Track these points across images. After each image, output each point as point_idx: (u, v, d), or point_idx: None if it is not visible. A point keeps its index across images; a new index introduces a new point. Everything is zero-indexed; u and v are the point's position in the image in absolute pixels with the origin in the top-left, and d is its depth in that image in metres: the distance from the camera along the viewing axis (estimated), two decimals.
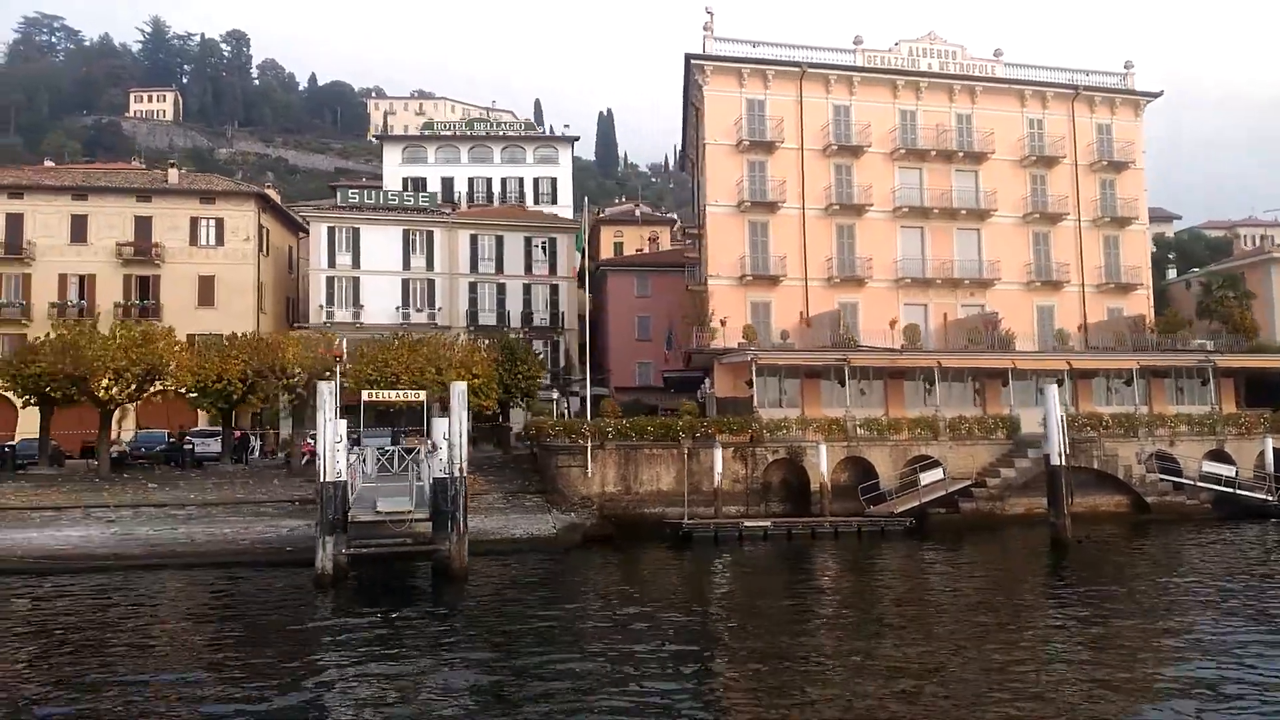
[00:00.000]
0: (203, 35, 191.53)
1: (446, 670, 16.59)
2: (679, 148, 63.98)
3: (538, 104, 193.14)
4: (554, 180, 76.05)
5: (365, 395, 31.05)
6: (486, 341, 46.72)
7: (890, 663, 16.86)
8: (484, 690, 15.50)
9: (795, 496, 35.78)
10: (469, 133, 79.78)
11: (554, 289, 60.35)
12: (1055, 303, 47.51)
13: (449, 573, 24.15)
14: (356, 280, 57.46)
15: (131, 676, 16.34)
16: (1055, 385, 32.48)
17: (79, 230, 54.21)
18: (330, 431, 23.71)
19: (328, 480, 23.72)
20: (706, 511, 33.73)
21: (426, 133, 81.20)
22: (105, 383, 33.20)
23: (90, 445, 39.57)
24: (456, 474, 24.41)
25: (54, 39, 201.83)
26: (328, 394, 23.74)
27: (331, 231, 57.45)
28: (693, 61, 44.34)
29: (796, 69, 44.79)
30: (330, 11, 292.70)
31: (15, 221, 53.58)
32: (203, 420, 48.16)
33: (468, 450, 25.43)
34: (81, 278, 54.06)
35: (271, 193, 64.77)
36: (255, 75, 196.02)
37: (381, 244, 57.90)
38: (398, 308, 57.59)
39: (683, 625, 20.18)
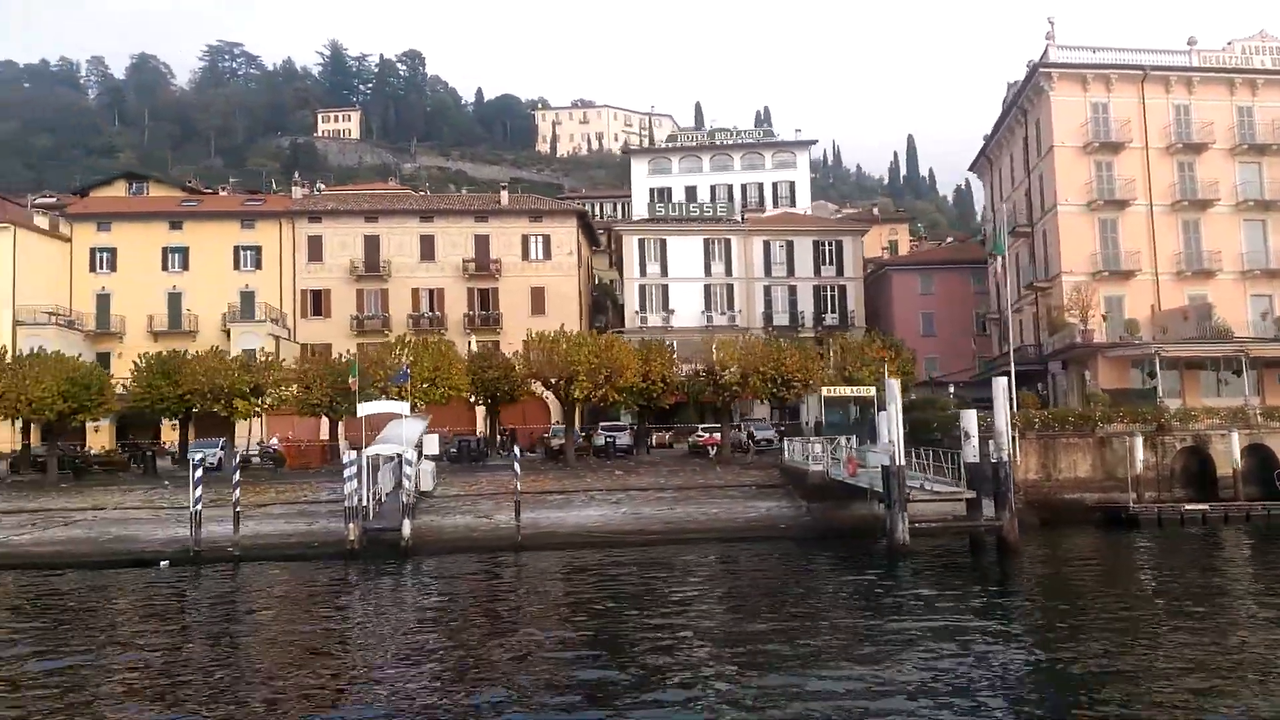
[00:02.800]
0: (381, 56, 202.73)
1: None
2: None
3: (698, 107, 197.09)
4: (792, 184, 79.01)
5: (825, 391, 34.84)
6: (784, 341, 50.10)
7: None
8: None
9: (1196, 483, 37.85)
10: (710, 142, 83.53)
11: (842, 289, 63.55)
12: None
13: (1005, 547, 27.48)
14: (665, 287, 61.98)
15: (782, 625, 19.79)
16: None
17: (428, 249, 60.34)
18: (893, 425, 27.31)
19: (893, 465, 27.33)
20: (1122, 497, 36.22)
21: (670, 144, 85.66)
22: (582, 381, 37.88)
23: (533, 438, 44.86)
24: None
25: (235, 64, 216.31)
26: (895, 390, 27.38)
27: (642, 243, 62.15)
28: (1040, 69, 46.74)
29: (1138, 71, 46.76)
30: (491, 27, 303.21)
31: (373, 243, 60.07)
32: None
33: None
34: (431, 291, 60.16)
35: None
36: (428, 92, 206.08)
37: (685, 253, 62.27)
38: (702, 311, 61.84)
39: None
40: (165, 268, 58.26)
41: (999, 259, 44.40)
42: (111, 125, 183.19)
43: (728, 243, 62.83)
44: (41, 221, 56.40)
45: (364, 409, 32.07)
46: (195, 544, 30.36)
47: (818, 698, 14.23)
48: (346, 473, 30.65)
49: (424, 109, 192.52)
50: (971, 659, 16.40)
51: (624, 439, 44.71)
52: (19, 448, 44.45)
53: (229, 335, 55.48)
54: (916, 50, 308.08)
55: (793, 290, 63.12)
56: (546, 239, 61.08)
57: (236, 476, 31.34)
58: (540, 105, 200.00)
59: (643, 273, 61.97)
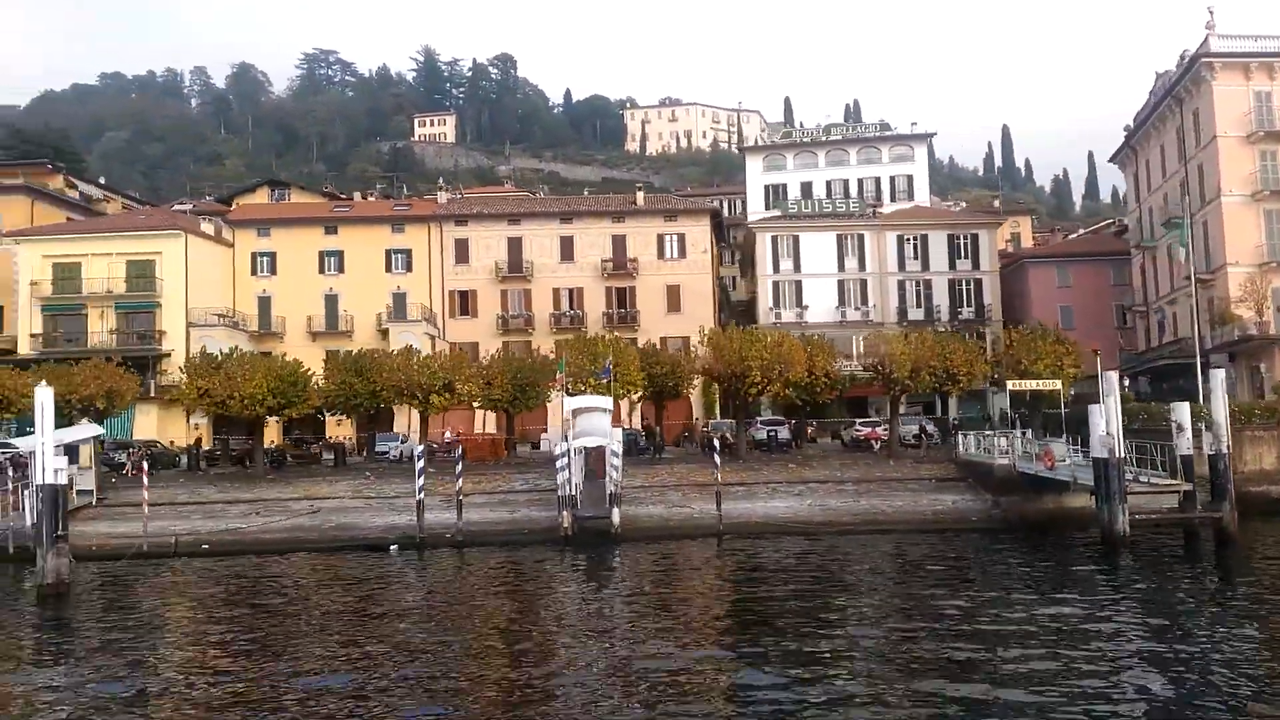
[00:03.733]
0: (474, 60, 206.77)
1: None
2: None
3: (787, 101, 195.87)
4: (910, 177, 78.65)
5: (1010, 385, 35.27)
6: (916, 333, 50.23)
7: None
8: None
9: None
10: (825, 138, 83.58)
11: (977, 282, 63.38)
12: None
13: (1223, 538, 27.72)
14: (798, 283, 62.68)
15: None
16: None
17: (567, 250, 62.11)
18: (1112, 418, 27.65)
19: (1112, 457, 27.68)
20: None
21: (784, 140, 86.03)
22: (755, 376, 38.94)
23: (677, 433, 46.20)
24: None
25: (331, 72, 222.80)
26: (1113, 382, 27.75)
27: (775, 240, 62.97)
28: (1201, 59, 46.20)
29: None
30: (577, 28, 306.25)
31: (516, 245, 62.08)
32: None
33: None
34: (571, 290, 61.92)
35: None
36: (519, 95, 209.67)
37: (818, 249, 62.87)
38: (836, 307, 62.36)
39: None
40: (322, 271, 61.13)
41: (1152, 251, 44.13)
42: (217, 133, 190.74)
43: (860, 238, 63.23)
44: (207, 228, 59.71)
45: (570, 403, 33.66)
46: (420, 530, 32.34)
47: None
48: (559, 463, 32.29)
49: (516, 112, 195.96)
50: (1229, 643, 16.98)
51: (783, 433, 45.60)
52: (200, 444, 47.52)
53: (386, 335, 58.07)
54: (1010, 39, 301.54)
55: (927, 284, 63.21)
56: (681, 237, 62.32)
57: (459, 468, 33.16)
58: (629, 105, 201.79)
59: (776, 269, 62.77)
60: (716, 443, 36.54)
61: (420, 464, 32.91)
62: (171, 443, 51.06)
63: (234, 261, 60.75)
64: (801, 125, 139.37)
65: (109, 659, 17.86)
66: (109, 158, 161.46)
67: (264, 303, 60.75)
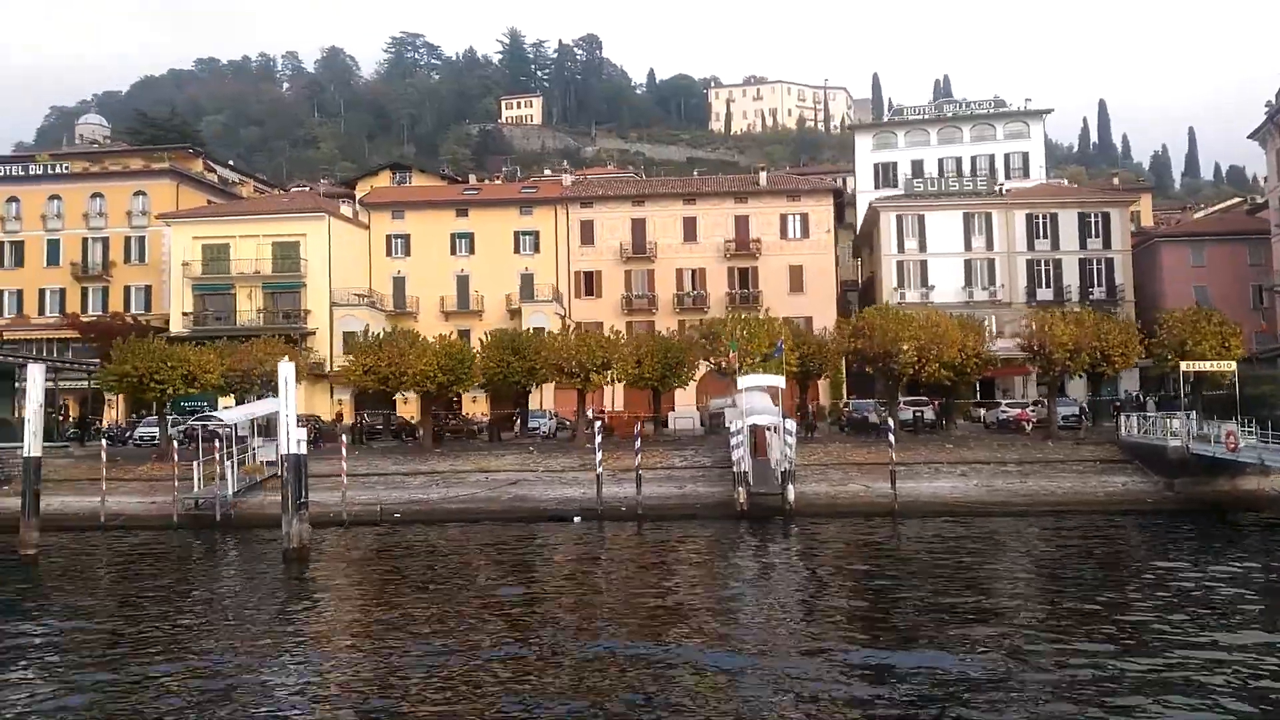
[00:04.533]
0: (560, 41, 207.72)
1: None
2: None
3: (875, 78, 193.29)
4: (1025, 155, 77.24)
5: (1184, 366, 34.90)
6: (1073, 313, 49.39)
7: None
8: None
9: None
10: (938, 115, 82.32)
11: (1109, 262, 62.12)
12: None
13: None
14: (923, 263, 62.24)
15: None
16: None
17: (690, 230, 62.72)
18: None
19: None
20: None
21: (895, 118, 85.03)
22: (908, 354, 39.16)
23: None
24: None
25: (417, 55, 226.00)
26: None
27: (900, 219, 62.57)
28: None
29: None
30: (659, 6, 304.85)
31: (639, 226, 62.89)
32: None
33: None
34: (694, 271, 62.54)
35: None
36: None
37: (944, 228, 62.30)
38: (962, 287, 61.78)
39: None
40: (453, 252, 62.84)
41: None
42: (310, 117, 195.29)
43: (988, 216, 62.45)
44: (346, 211, 61.80)
45: (744, 381, 34.39)
46: (599, 502, 33.51)
47: None
48: (734, 440, 33.08)
49: (601, 92, 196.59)
50: None
51: (929, 413, 45.66)
52: (340, 419, 49.66)
53: (514, 315, 59.64)
54: (1105, 13, 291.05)
55: (1056, 264, 62.17)
56: (804, 217, 62.42)
57: (638, 444, 34.16)
58: (713, 83, 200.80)
59: (900, 249, 62.41)
60: (882, 421, 36.82)
61: (599, 439, 34.02)
62: (317, 417, 53.32)
63: (369, 243, 62.77)
64: (892, 102, 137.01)
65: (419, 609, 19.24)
66: (209, 142, 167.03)
67: (398, 283, 62.74)
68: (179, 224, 58.38)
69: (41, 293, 61.97)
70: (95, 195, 62.16)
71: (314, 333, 57.31)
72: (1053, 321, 40.36)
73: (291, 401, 25.45)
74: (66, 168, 64.32)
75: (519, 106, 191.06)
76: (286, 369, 26.02)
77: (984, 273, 62.19)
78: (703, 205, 63.10)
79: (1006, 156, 77.12)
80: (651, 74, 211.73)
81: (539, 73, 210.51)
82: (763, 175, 65.85)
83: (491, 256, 62.47)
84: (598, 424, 35.93)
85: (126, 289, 61.83)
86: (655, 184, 69.66)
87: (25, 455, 26.43)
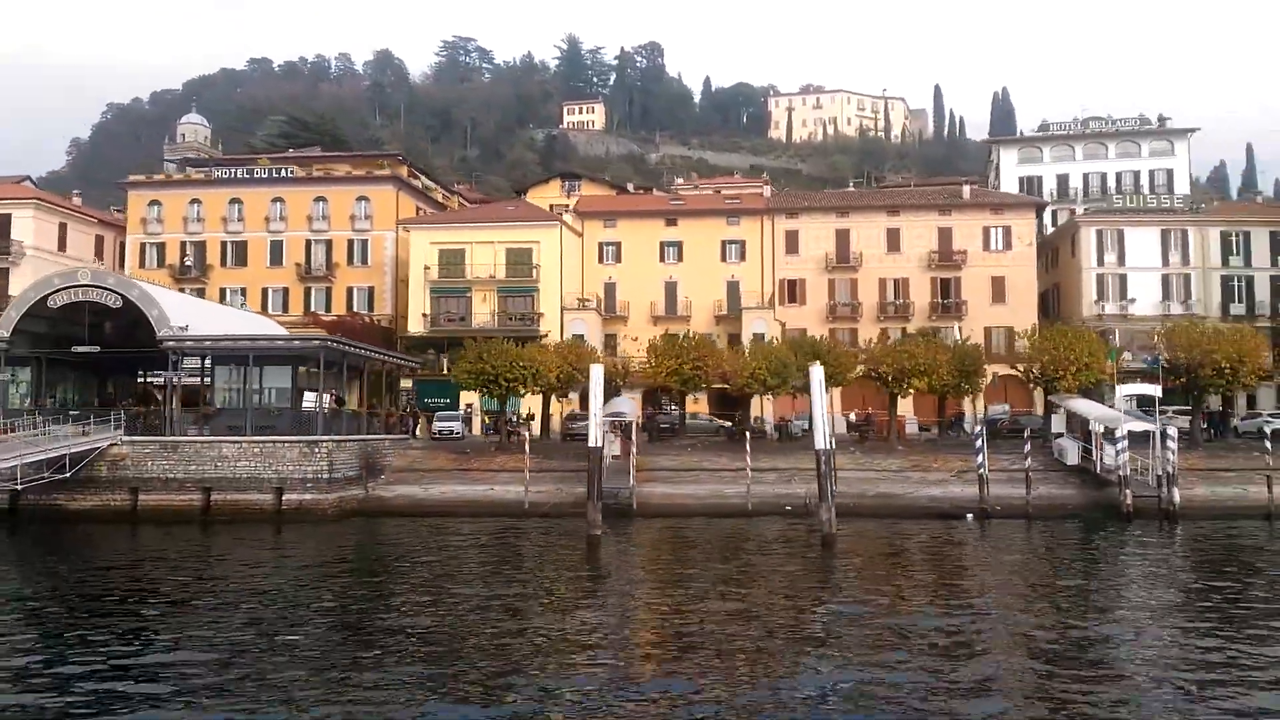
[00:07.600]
0: (622, 48, 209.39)
1: None
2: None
3: (937, 89, 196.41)
4: (1169, 171, 79.88)
5: None
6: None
7: None
8: None
9: None
10: (1084, 131, 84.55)
11: None
12: None
13: None
14: (1123, 276, 64.26)
15: None
16: None
17: (893, 241, 64.53)
18: None
19: None
20: None
21: (1041, 133, 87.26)
22: (1222, 366, 41.10)
23: None
24: None
25: (470, 60, 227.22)
26: None
27: (1099, 234, 64.60)
28: None
29: None
30: (716, 15, 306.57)
31: (844, 236, 64.68)
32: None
33: None
34: (896, 281, 64.35)
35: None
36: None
37: (1142, 243, 64.38)
38: (1160, 300, 63.81)
39: None
40: (662, 259, 64.47)
41: None
42: (372, 118, 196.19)
43: (1184, 233, 64.54)
44: (569, 219, 63.40)
45: (1122, 390, 36.22)
46: (981, 501, 35.24)
47: None
48: (1118, 445, 34.85)
49: (662, 99, 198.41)
50: None
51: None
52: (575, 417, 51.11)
53: (718, 321, 62.05)
54: (1163, 28, 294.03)
55: (1248, 280, 64.33)
56: (1007, 230, 64.29)
57: (1027, 447, 35.92)
58: (772, 92, 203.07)
59: (1100, 262, 64.40)
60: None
61: (979, 442, 35.73)
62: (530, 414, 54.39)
63: (583, 251, 64.32)
64: (953, 114, 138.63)
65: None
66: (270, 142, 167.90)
67: (609, 288, 64.29)
68: (417, 230, 59.86)
69: (264, 291, 63.21)
70: (319, 199, 63.48)
71: (546, 335, 58.73)
72: None
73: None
74: (291, 172, 65.63)
75: (580, 112, 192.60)
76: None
77: (1181, 287, 64.24)
78: (906, 216, 64.91)
79: (1151, 173, 79.80)
80: (707, 81, 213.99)
81: (595, 79, 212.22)
82: (965, 188, 67.78)
83: (699, 264, 64.12)
84: (977, 428, 37.30)
85: (349, 289, 63.13)
86: (859, 196, 71.70)
87: (590, 445, 27.69)
